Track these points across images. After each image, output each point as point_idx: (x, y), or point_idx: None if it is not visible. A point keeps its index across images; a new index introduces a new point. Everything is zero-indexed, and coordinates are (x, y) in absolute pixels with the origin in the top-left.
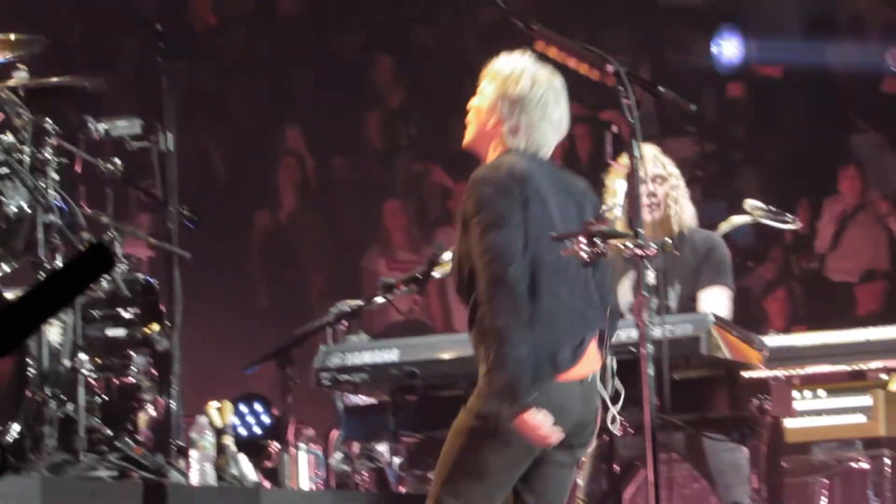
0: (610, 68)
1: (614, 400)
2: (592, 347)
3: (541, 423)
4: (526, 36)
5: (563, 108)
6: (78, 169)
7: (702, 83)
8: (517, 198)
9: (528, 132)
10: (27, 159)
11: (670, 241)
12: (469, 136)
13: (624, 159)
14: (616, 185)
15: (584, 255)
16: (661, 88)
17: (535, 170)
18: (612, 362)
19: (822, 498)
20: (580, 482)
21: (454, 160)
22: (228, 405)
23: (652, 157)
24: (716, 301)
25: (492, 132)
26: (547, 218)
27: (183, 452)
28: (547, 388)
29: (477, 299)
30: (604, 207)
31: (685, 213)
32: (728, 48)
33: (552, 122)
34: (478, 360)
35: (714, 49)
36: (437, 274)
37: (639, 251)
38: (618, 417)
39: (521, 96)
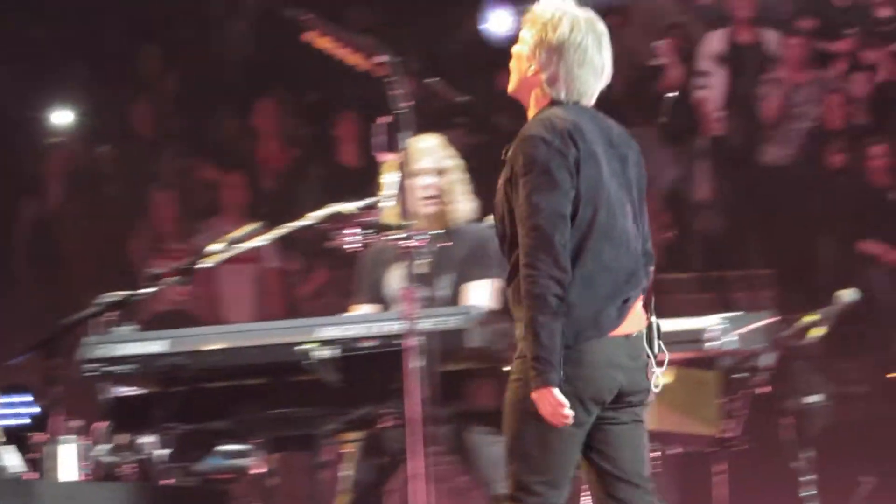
0: (381, 58)
1: (659, 362)
2: (638, 306)
3: (559, 402)
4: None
5: (605, 53)
6: None
7: (473, 73)
8: (570, 159)
9: (567, 80)
10: None
11: (441, 234)
12: (512, 84)
13: (398, 150)
14: (388, 177)
15: (353, 247)
16: (429, 79)
17: (584, 125)
18: (656, 322)
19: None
20: (348, 473)
21: (222, 152)
22: None
23: (433, 149)
24: (482, 294)
25: (532, 80)
26: (598, 176)
27: None
28: (593, 345)
29: (519, 259)
30: (373, 199)
31: (463, 206)
32: (497, 22)
33: (594, 67)
34: (516, 320)
35: (484, 25)
36: (205, 264)
37: (408, 243)
38: (661, 378)
39: (559, 42)
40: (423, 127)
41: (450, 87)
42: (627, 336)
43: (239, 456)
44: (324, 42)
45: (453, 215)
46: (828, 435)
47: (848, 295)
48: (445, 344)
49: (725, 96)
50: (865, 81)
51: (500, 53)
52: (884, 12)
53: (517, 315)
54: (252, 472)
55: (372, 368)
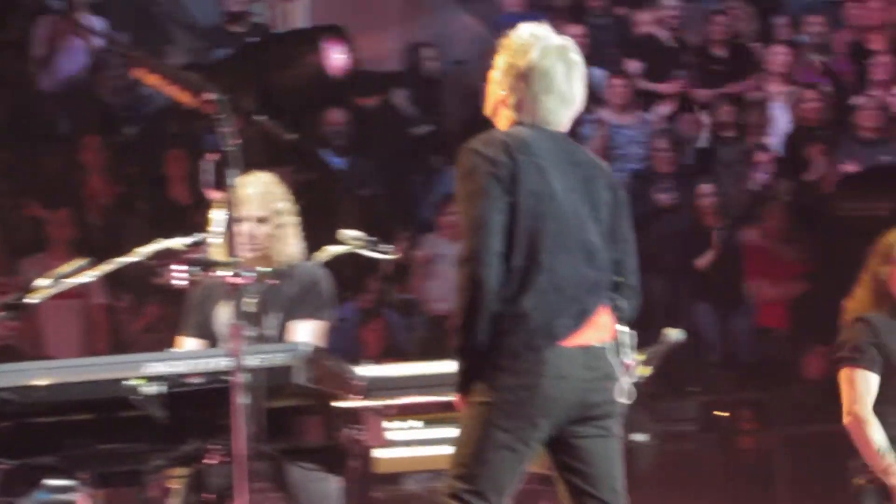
0: (209, 96)
1: (628, 371)
2: (601, 318)
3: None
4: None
5: (575, 82)
6: None
7: (305, 110)
8: (502, 169)
9: (532, 106)
10: None
11: (269, 271)
12: (486, 107)
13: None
14: (217, 214)
15: (180, 283)
16: (258, 117)
17: (535, 139)
18: (628, 336)
19: None
20: None
21: (46, 189)
22: None
23: (261, 194)
24: (309, 332)
25: (501, 104)
26: (546, 189)
27: None
28: (543, 356)
29: None
30: (202, 236)
31: (290, 249)
32: (334, 58)
33: (561, 95)
34: None
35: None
36: (31, 300)
37: (236, 280)
38: (625, 389)
39: (527, 68)
40: (251, 164)
41: (279, 124)
42: (586, 348)
43: (65, 491)
44: (152, 78)
45: (282, 255)
46: (655, 472)
47: (674, 334)
48: (272, 380)
49: None
50: (693, 122)
51: (331, 90)
52: (718, 51)
53: None
54: None
55: (198, 405)
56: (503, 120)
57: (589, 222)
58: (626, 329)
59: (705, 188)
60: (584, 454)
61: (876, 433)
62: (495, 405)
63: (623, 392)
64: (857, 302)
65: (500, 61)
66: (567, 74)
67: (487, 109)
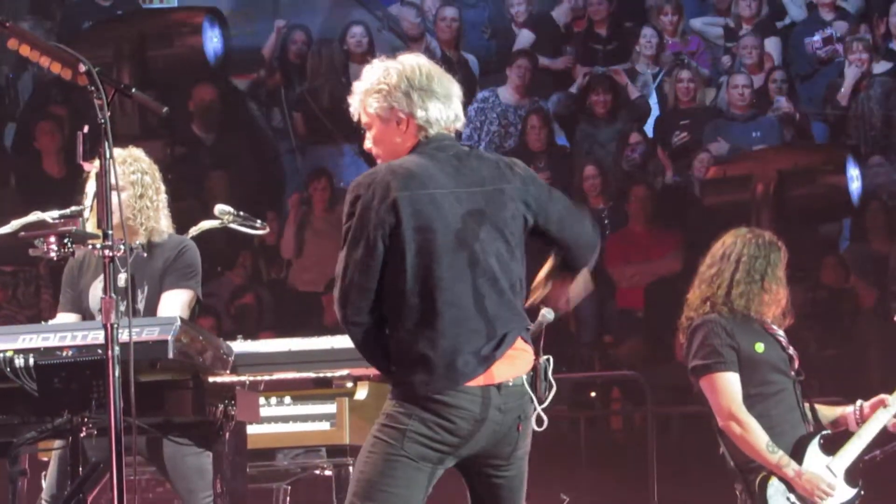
0: (82, 68)
1: (543, 400)
2: (515, 350)
3: None
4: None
5: (444, 79)
6: None
7: (176, 86)
8: (384, 210)
9: (419, 122)
10: None
11: (140, 244)
12: (380, 155)
13: (96, 161)
14: (89, 187)
15: (53, 255)
16: (132, 90)
17: (424, 169)
18: (544, 363)
19: None
20: (43, 484)
21: None
22: None
23: (131, 164)
24: (176, 303)
25: (387, 137)
26: (435, 221)
27: None
28: (444, 398)
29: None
30: (75, 209)
31: (158, 221)
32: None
33: (438, 96)
34: None
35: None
36: None
37: (107, 252)
38: (543, 417)
39: (393, 95)
40: (123, 138)
41: (152, 98)
42: (499, 385)
43: None
44: (25, 50)
45: (152, 229)
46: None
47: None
48: (144, 354)
49: None
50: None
51: (205, 68)
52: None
53: None
54: None
55: (71, 377)
56: (391, 147)
57: (493, 244)
58: (545, 357)
59: (590, 169)
60: (494, 489)
61: (758, 429)
62: (408, 433)
63: (538, 421)
64: (699, 301)
65: (368, 108)
66: (431, 77)
67: (381, 155)
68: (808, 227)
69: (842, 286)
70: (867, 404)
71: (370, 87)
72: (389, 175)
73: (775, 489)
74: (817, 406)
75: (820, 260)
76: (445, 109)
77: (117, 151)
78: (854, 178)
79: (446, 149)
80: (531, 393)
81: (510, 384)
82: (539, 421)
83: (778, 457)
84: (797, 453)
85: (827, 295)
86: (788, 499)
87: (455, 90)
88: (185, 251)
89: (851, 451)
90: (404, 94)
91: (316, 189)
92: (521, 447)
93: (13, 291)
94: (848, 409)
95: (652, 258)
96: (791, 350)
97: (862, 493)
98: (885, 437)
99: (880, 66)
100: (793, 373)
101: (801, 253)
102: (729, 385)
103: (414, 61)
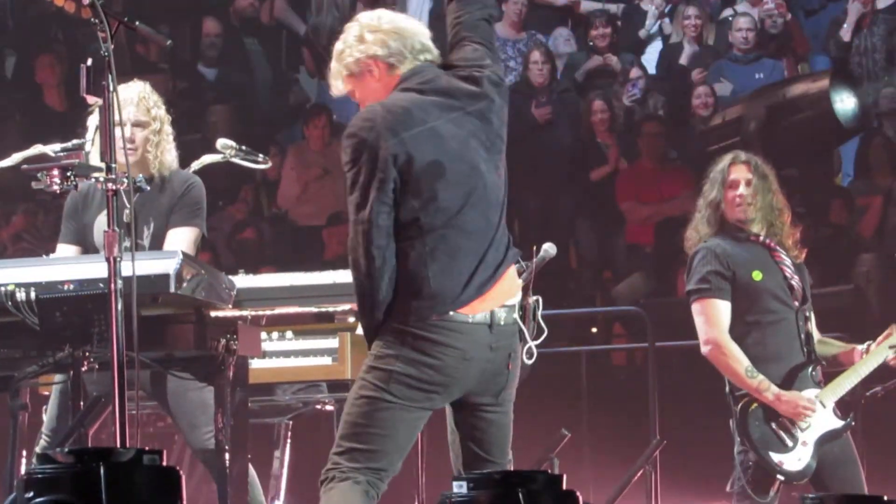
0: (86, 0)
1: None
2: (507, 278)
3: None
4: None
5: (398, 17)
6: None
7: (178, 19)
8: (391, 148)
9: (385, 60)
10: None
11: (144, 179)
12: (345, 85)
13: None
14: (92, 121)
15: (57, 189)
16: (137, 23)
17: (415, 103)
18: (534, 303)
19: (287, 440)
20: (44, 418)
21: None
22: None
23: (136, 100)
24: (183, 240)
25: (369, 84)
26: (440, 152)
27: None
28: (447, 328)
29: None
30: (78, 142)
31: (165, 156)
32: None
33: (391, 31)
34: None
35: None
36: None
37: (111, 186)
38: (534, 350)
39: (353, 49)
40: (127, 71)
41: (156, 31)
42: (491, 323)
43: None
44: None
45: (158, 163)
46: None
47: (549, 249)
48: (146, 288)
49: None
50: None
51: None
52: None
53: None
54: None
55: (73, 311)
56: (380, 90)
57: (489, 166)
58: (534, 298)
59: (598, 104)
60: (483, 424)
61: (739, 354)
62: (395, 374)
63: (527, 354)
64: (695, 230)
65: (339, 62)
66: (390, 18)
67: (347, 86)
68: (803, 158)
69: (843, 224)
70: (875, 343)
71: (336, 56)
72: (388, 115)
73: (755, 416)
74: (818, 340)
75: (822, 196)
76: (404, 40)
77: (126, 87)
78: (840, 100)
79: (430, 80)
80: (524, 329)
81: (502, 323)
82: (529, 353)
83: (758, 381)
84: (788, 381)
85: (831, 232)
86: (771, 426)
87: (416, 26)
88: (191, 188)
89: (844, 384)
90: (359, 40)
91: (316, 126)
92: (510, 387)
93: (33, 219)
94: (859, 347)
95: (665, 196)
96: (795, 280)
97: (853, 423)
98: (886, 372)
99: (884, 1)
100: (796, 303)
101: (797, 188)
102: (715, 311)
103: (368, 13)
